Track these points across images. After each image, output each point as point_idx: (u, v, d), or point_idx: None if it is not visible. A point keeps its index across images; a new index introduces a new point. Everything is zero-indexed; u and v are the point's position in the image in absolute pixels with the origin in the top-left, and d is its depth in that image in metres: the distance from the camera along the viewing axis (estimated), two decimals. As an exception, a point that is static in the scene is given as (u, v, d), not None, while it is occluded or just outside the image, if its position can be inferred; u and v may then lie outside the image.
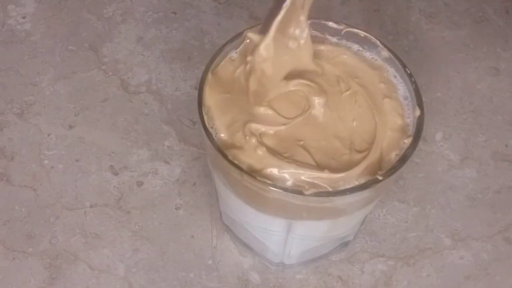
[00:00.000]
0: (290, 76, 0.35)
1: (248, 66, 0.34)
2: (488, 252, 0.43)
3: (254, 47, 0.33)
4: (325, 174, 0.32)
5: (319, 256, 0.41)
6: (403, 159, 0.32)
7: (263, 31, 0.33)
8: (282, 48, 0.34)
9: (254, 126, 0.33)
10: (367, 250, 0.42)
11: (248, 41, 0.37)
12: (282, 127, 0.33)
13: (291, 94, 0.34)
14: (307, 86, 0.34)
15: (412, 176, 0.46)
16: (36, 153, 0.46)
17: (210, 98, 0.35)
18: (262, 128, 0.33)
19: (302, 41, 0.33)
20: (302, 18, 0.33)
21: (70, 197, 0.44)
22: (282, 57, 0.34)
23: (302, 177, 0.32)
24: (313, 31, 0.38)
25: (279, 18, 0.32)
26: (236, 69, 0.36)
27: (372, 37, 0.37)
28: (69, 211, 0.44)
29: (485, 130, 0.48)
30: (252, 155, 0.32)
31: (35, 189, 0.45)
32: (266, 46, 0.33)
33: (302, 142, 0.33)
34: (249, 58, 0.33)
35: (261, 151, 0.32)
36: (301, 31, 0.33)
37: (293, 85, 0.34)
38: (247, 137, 0.32)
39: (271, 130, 0.33)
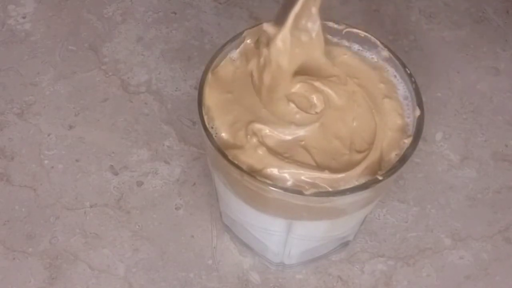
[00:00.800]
0: (300, 71, 0.34)
1: (262, 59, 0.33)
2: (488, 252, 0.43)
3: (269, 40, 0.33)
4: (326, 175, 0.32)
5: (319, 256, 0.41)
6: (403, 159, 0.32)
7: (278, 23, 0.32)
8: (295, 41, 0.33)
9: (257, 126, 0.33)
10: (367, 250, 0.43)
11: (248, 40, 0.37)
12: (287, 131, 0.33)
13: (293, 95, 0.34)
14: (309, 86, 0.34)
15: (412, 176, 0.46)
16: (36, 153, 0.46)
17: (210, 98, 0.35)
18: (266, 129, 0.33)
19: (313, 34, 0.33)
20: (314, 10, 0.32)
21: (70, 197, 0.44)
22: (295, 50, 0.33)
23: (302, 177, 0.32)
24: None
25: (296, 9, 0.31)
26: (236, 69, 0.36)
27: (372, 37, 0.37)
28: (69, 211, 0.44)
29: (485, 130, 0.48)
30: (252, 155, 0.32)
31: (35, 189, 0.45)
32: (283, 38, 0.32)
33: (303, 142, 0.33)
34: (264, 51, 0.33)
35: (261, 151, 0.32)
36: (313, 23, 0.33)
37: (299, 82, 0.34)
38: (248, 136, 0.32)
39: (275, 132, 0.33)
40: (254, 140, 0.32)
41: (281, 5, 0.33)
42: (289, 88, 0.34)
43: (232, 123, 0.34)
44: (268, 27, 0.32)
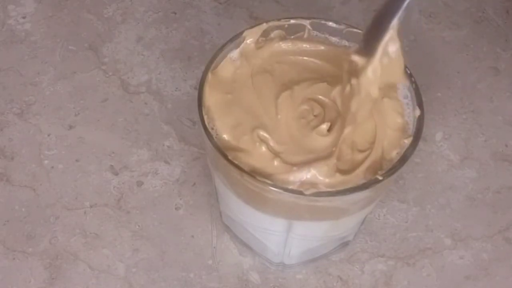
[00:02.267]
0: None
1: (348, 88, 0.32)
2: (488, 252, 0.43)
3: (358, 70, 0.32)
4: (336, 178, 0.32)
5: (319, 256, 0.41)
6: (403, 159, 0.32)
7: (367, 53, 0.31)
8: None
9: (262, 134, 0.33)
10: (367, 250, 0.42)
11: (248, 40, 0.37)
12: (291, 138, 0.33)
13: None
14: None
15: (412, 176, 0.46)
16: (36, 153, 0.46)
17: (210, 98, 0.35)
18: (270, 140, 0.33)
19: (393, 56, 0.32)
20: (394, 32, 0.31)
21: (70, 197, 0.44)
22: None
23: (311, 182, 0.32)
24: (313, 31, 0.38)
25: (386, 39, 0.30)
26: (236, 69, 0.36)
27: (373, 37, 0.37)
28: (69, 211, 0.44)
29: (485, 130, 0.48)
30: (261, 160, 0.32)
31: (35, 189, 0.45)
32: (373, 69, 0.31)
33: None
34: (354, 81, 0.32)
35: (270, 158, 0.32)
36: (393, 46, 0.31)
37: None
38: (257, 144, 0.32)
39: (279, 140, 0.33)
40: (263, 148, 0.32)
41: (366, 32, 0.32)
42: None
43: (234, 125, 0.34)
44: (357, 58, 0.32)
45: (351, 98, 0.32)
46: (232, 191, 0.35)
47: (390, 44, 0.31)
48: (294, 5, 0.55)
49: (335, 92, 0.34)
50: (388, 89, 0.36)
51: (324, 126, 0.33)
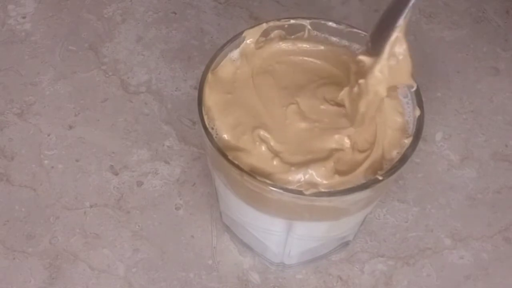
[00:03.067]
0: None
1: (356, 88, 0.32)
2: (488, 252, 0.43)
3: (366, 70, 0.32)
4: (335, 180, 0.32)
5: (319, 256, 0.41)
6: (403, 159, 0.32)
7: (374, 53, 0.32)
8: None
9: (263, 134, 0.33)
10: (367, 250, 0.42)
11: (248, 40, 0.37)
12: (292, 138, 0.33)
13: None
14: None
15: (412, 176, 0.46)
16: (36, 153, 0.46)
17: (210, 98, 0.35)
18: (271, 139, 0.33)
19: (400, 57, 0.32)
20: (400, 34, 0.31)
21: (70, 197, 0.44)
22: None
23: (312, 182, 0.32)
24: (313, 31, 0.38)
25: (392, 38, 0.31)
26: (236, 69, 0.36)
27: (373, 37, 0.37)
28: (69, 211, 0.44)
29: (485, 130, 0.48)
30: (261, 160, 0.32)
31: (35, 189, 0.45)
32: (381, 69, 0.31)
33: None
34: (361, 81, 0.32)
35: (270, 158, 0.32)
36: (399, 47, 0.32)
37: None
38: (257, 143, 0.33)
39: (280, 140, 0.33)
40: (263, 147, 0.32)
41: (372, 33, 0.32)
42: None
43: (234, 125, 0.34)
44: (364, 58, 0.32)
45: (360, 99, 0.32)
46: (232, 191, 0.35)
47: (397, 45, 0.31)
48: (294, 5, 0.55)
49: (343, 93, 0.34)
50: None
51: (347, 141, 0.33)
